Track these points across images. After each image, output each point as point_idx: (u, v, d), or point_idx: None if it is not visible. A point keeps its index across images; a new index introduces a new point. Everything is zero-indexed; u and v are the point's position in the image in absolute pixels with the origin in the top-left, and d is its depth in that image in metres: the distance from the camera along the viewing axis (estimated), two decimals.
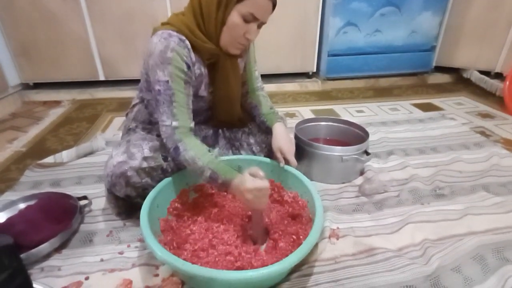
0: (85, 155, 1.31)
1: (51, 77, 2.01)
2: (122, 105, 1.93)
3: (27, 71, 1.96)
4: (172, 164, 0.89)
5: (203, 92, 0.91)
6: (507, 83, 1.82)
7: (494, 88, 2.03)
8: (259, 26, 0.84)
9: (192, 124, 0.83)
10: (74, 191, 1.05)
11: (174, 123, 0.80)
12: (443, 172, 1.17)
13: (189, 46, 0.81)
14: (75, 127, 1.63)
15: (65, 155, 1.26)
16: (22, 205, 0.91)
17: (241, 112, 1.05)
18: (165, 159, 0.88)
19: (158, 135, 0.91)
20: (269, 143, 1.07)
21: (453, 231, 0.88)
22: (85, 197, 0.98)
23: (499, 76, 2.10)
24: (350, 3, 1.96)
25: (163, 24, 0.84)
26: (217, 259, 0.74)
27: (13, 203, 0.92)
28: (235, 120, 1.05)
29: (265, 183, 0.73)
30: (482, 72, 2.16)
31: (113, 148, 0.89)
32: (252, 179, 0.73)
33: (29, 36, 1.87)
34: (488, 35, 2.07)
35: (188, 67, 0.80)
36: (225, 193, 0.99)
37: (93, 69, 2.01)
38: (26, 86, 2.05)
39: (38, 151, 1.38)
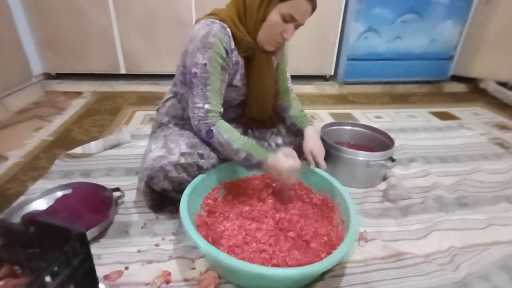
0: (112, 147, 1.34)
1: (74, 68, 2.04)
2: (142, 99, 1.96)
3: (51, 61, 2.00)
4: (207, 162, 0.91)
5: (237, 81, 0.93)
6: None
7: (511, 100, 2.04)
8: (296, 27, 0.87)
9: (222, 110, 0.88)
10: (105, 182, 1.07)
11: (207, 106, 0.84)
12: (465, 181, 1.19)
13: (230, 34, 0.85)
14: (98, 118, 1.66)
15: (93, 146, 1.29)
16: (59, 193, 0.94)
17: (271, 111, 1.08)
18: (201, 156, 0.90)
19: (192, 131, 0.94)
20: (297, 145, 1.09)
21: (478, 240, 0.90)
22: (118, 189, 1.00)
23: None
24: (373, 8, 1.97)
25: (206, 15, 0.87)
26: (252, 255, 0.77)
27: (50, 191, 0.95)
28: (266, 118, 1.07)
29: (298, 162, 0.84)
30: (499, 83, 2.17)
31: (151, 142, 0.92)
32: (287, 159, 0.83)
33: (55, 27, 1.89)
34: (508, 48, 2.08)
35: (227, 53, 0.84)
36: (251, 192, 1.02)
37: (114, 62, 2.04)
38: (48, 76, 2.08)
39: (65, 141, 1.41)
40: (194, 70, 0.83)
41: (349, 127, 1.30)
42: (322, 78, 2.33)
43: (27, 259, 0.58)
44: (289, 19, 0.82)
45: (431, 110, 2.00)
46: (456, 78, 2.40)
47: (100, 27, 1.92)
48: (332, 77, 2.33)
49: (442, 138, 1.58)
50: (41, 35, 1.91)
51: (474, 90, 2.37)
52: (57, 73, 2.08)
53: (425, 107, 2.05)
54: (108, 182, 1.08)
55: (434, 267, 0.80)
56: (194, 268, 0.77)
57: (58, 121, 1.61)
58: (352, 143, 1.29)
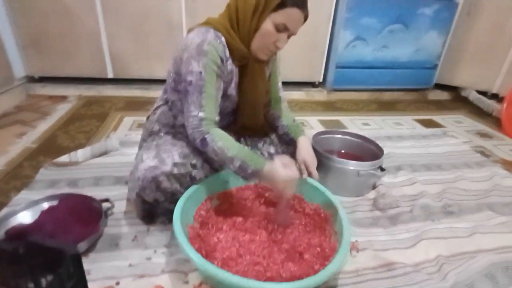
0: (99, 155, 1.30)
1: (59, 71, 1.98)
2: (130, 104, 1.92)
3: (34, 63, 1.93)
4: (200, 172, 0.91)
5: (232, 90, 0.93)
6: (505, 105, 1.91)
7: (491, 109, 2.12)
8: (289, 36, 0.87)
9: (218, 118, 0.87)
10: (93, 192, 1.04)
11: (201, 114, 0.82)
12: (450, 190, 1.23)
13: (224, 42, 0.85)
14: (85, 124, 1.62)
15: (80, 154, 1.25)
16: (45, 205, 0.91)
17: (263, 120, 1.08)
18: (193, 166, 0.89)
19: (185, 141, 0.93)
20: (289, 154, 1.10)
21: (464, 248, 0.94)
22: (107, 200, 0.98)
23: (495, 96, 2.20)
24: (361, 18, 2.02)
25: (199, 24, 0.87)
26: (246, 268, 0.76)
27: (36, 202, 0.91)
28: (258, 126, 1.07)
29: (295, 173, 0.82)
30: (479, 92, 2.26)
31: (142, 152, 0.90)
32: (284, 168, 0.80)
33: (39, 28, 1.84)
34: (488, 58, 2.17)
35: (222, 61, 0.84)
36: (244, 201, 1.02)
37: (102, 65, 1.99)
38: (31, 79, 2.01)
39: (50, 148, 1.36)
40: (189, 78, 0.82)
41: (339, 136, 1.32)
42: (311, 84, 2.36)
43: (13, 276, 0.56)
44: (282, 29, 0.83)
45: (416, 117, 2.06)
46: (439, 86, 2.49)
47: (87, 28, 1.87)
48: (321, 84, 2.36)
49: (427, 146, 1.62)
50: (24, 36, 1.84)
51: (457, 98, 2.45)
52: (40, 76, 2.02)
53: (411, 115, 2.11)
54: (96, 192, 1.05)
55: (423, 276, 0.82)
56: (187, 282, 0.76)
57: (43, 127, 1.55)
58: (343, 151, 1.31)
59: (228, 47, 0.86)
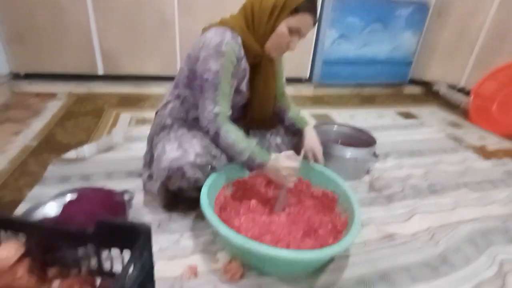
0: (105, 151, 1.32)
1: (46, 68, 1.93)
2: (124, 101, 1.92)
3: (20, 60, 1.87)
4: (219, 162, 0.97)
5: (243, 86, 1.01)
6: (472, 98, 2.14)
7: (459, 101, 2.35)
8: (299, 38, 0.96)
9: (230, 112, 0.94)
10: (107, 185, 1.07)
11: (216, 109, 0.90)
12: (432, 172, 1.39)
13: (240, 42, 0.92)
14: (81, 121, 1.61)
15: (86, 150, 1.26)
16: (69, 198, 0.93)
17: (271, 113, 1.16)
18: (213, 157, 0.95)
19: (201, 133, 0.99)
20: (294, 144, 1.20)
21: (449, 220, 1.08)
22: (126, 191, 1.01)
23: (462, 90, 2.44)
24: (345, 17, 2.15)
25: (214, 24, 0.93)
26: (270, 245, 0.85)
27: (62, 194, 0.93)
28: (266, 119, 1.15)
29: (297, 164, 0.92)
30: (448, 86, 2.50)
31: (164, 143, 0.95)
32: (287, 159, 0.91)
33: (25, 23, 1.78)
34: (455, 55, 2.40)
35: (237, 61, 0.91)
36: (258, 187, 1.09)
37: (92, 62, 1.96)
38: (16, 76, 1.94)
39: (51, 145, 1.35)
40: (205, 76, 0.89)
41: (336, 127, 1.43)
42: (298, 80, 2.47)
43: (75, 259, 0.60)
44: (295, 32, 0.91)
45: (395, 110, 2.24)
46: (413, 81, 2.70)
47: (76, 24, 1.84)
48: (307, 79, 2.48)
49: (408, 134, 1.79)
50: (9, 31, 1.78)
51: (429, 92, 2.68)
52: (26, 74, 1.95)
53: (390, 108, 2.28)
54: (110, 185, 1.08)
55: (419, 244, 0.95)
56: (217, 261, 0.83)
57: (37, 125, 1.52)
58: (339, 141, 1.43)
59: (244, 46, 0.93)
